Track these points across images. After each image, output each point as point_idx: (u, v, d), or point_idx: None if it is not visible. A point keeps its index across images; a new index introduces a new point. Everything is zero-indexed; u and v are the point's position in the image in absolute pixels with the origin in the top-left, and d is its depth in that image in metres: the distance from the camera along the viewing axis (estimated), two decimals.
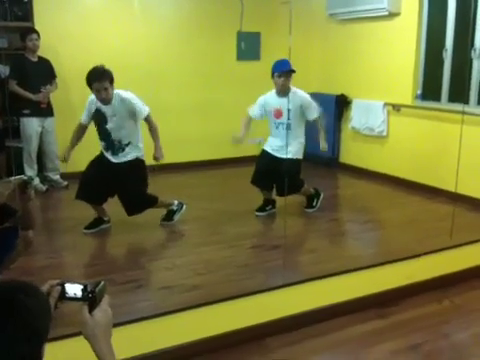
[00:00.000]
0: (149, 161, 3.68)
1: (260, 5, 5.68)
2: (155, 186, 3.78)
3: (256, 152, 4.37)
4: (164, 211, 3.88)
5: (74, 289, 1.15)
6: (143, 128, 3.68)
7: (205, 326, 2.43)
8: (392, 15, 4.92)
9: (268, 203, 4.14)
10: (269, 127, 4.08)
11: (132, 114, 3.50)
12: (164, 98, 5.28)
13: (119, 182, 3.56)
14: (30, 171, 4.59)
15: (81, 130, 3.66)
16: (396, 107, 5.06)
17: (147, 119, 3.56)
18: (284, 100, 3.84)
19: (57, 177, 4.91)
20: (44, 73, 4.68)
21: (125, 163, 3.57)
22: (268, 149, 4.07)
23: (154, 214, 3.83)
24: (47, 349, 0.98)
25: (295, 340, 2.52)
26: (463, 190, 3.88)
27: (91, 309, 1.14)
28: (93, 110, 3.54)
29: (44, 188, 4.72)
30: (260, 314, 2.55)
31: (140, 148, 3.63)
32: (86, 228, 3.68)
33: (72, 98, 4.91)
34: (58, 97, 4.81)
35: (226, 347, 2.41)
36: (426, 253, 3.07)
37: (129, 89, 3.61)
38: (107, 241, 3.77)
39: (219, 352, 2.38)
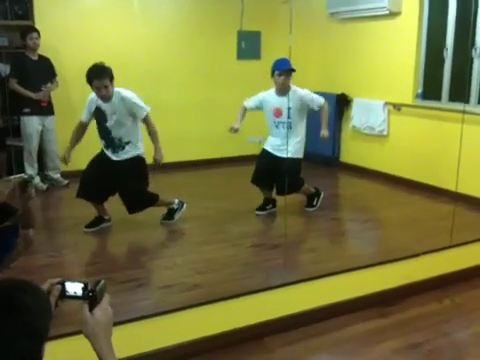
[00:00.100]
0: (150, 160, 3.69)
1: (260, 4, 5.68)
2: (156, 185, 3.77)
3: (256, 151, 4.37)
4: (165, 210, 3.88)
5: (74, 288, 1.15)
6: (143, 128, 3.68)
7: (205, 325, 2.43)
8: (393, 14, 4.91)
9: (268, 202, 4.14)
10: (268, 126, 4.08)
11: (132, 113, 3.49)
12: (164, 97, 5.28)
13: (120, 180, 3.56)
14: (30, 170, 4.58)
15: (81, 129, 3.65)
16: (397, 106, 5.05)
17: (146, 120, 3.53)
18: (284, 99, 3.84)
19: (57, 176, 4.91)
20: (44, 72, 4.68)
21: (126, 161, 3.57)
22: (268, 148, 4.07)
23: (154, 213, 3.83)
24: (47, 348, 0.98)
25: (295, 339, 2.52)
26: (463, 189, 3.87)
27: (91, 308, 1.14)
28: (93, 108, 3.54)
29: (44, 187, 4.72)
30: (260, 313, 2.55)
31: (140, 147, 3.62)
32: (87, 227, 3.68)
33: (72, 97, 4.91)
34: (58, 96, 4.81)
35: (226, 346, 2.41)
36: (426, 252, 3.07)
37: (129, 88, 3.60)
38: (107, 240, 3.77)
39: (219, 351, 2.38)
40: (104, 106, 3.49)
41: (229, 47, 5.77)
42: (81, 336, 1.14)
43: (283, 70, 3.82)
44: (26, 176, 1.96)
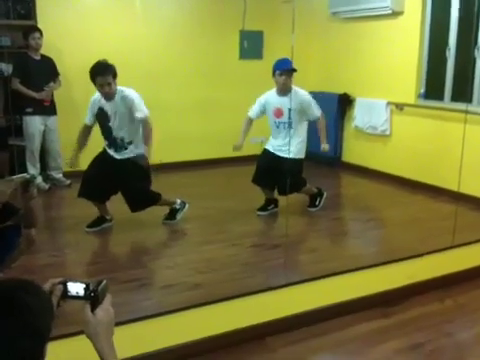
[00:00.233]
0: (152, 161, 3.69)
1: (263, 4, 5.67)
2: (157, 185, 3.77)
3: (258, 151, 4.36)
4: (166, 210, 3.88)
5: (76, 288, 1.15)
6: None
7: (207, 325, 2.42)
8: (395, 14, 4.91)
9: (270, 203, 4.14)
10: (270, 126, 4.07)
11: (132, 113, 3.49)
12: (166, 97, 5.28)
13: (122, 178, 3.56)
14: (33, 169, 4.59)
15: (86, 131, 3.66)
16: (399, 106, 5.04)
17: (143, 121, 3.46)
18: (285, 99, 3.83)
19: (60, 176, 4.91)
20: (47, 71, 4.69)
21: (128, 159, 3.57)
22: (269, 148, 4.07)
23: (156, 213, 3.83)
24: (49, 348, 0.98)
25: (297, 339, 2.52)
26: (466, 189, 3.87)
27: (93, 308, 1.14)
28: (96, 109, 3.54)
29: (47, 187, 4.73)
30: (262, 313, 2.54)
31: (142, 147, 3.62)
32: (88, 226, 3.69)
33: (75, 96, 4.91)
34: (61, 95, 4.82)
35: (228, 346, 2.40)
36: (429, 252, 3.06)
37: (131, 87, 3.60)
38: (109, 240, 3.78)
39: (221, 351, 2.38)
40: (107, 106, 3.49)
41: (231, 47, 5.77)
42: (83, 336, 1.14)
43: (284, 70, 3.81)
44: (28, 176, 1.96)
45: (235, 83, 5.66)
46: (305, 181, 4.07)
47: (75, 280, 1.16)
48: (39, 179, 4.62)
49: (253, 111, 4.07)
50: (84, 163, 3.69)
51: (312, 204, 4.21)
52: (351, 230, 4.14)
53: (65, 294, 1.15)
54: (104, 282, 1.18)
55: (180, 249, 3.54)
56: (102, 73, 3.35)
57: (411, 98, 4.95)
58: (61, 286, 1.15)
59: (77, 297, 1.15)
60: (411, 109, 4.94)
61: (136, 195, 3.61)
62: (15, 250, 2.14)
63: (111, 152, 3.61)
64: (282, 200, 4.04)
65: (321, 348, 2.50)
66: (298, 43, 3.95)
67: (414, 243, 3.38)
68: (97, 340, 1.11)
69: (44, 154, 4.83)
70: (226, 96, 5.60)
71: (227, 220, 3.97)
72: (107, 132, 3.56)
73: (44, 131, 4.71)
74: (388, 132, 5.20)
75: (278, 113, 3.94)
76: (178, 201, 3.88)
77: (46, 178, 4.84)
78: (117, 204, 3.72)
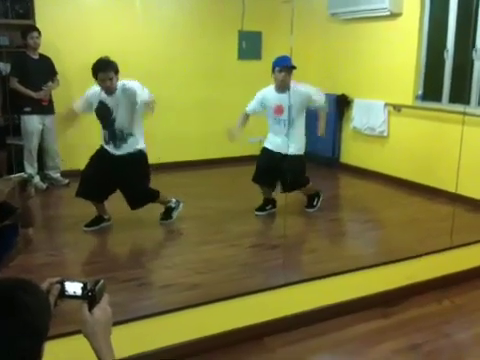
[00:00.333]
0: (151, 158, 3.69)
1: (262, 4, 5.68)
2: (155, 184, 3.77)
3: (256, 151, 4.37)
4: (164, 209, 3.88)
5: (74, 287, 1.15)
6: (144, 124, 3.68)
7: (205, 325, 2.42)
8: (394, 15, 4.91)
9: (268, 203, 4.14)
10: (268, 124, 4.06)
11: (134, 102, 3.47)
12: (165, 97, 5.25)
13: (122, 176, 3.56)
14: (30, 169, 4.58)
15: (73, 115, 3.76)
16: (397, 107, 5.05)
17: (146, 103, 3.45)
18: (284, 96, 3.82)
19: (57, 175, 4.91)
20: (45, 71, 4.68)
21: (127, 156, 3.56)
22: (269, 146, 4.05)
23: (154, 212, 3.83)
24: (47, 347, 0.98)
25: (296, 339, 2.52)
26: (463, 191, 3.87)
27: (91, 307, 1.13)
28: (96, 103, 3.53)
29: (44, 186, 4.72)
30: (260, 313, 2.54)
31: (142, 142, 3.63)
32: (86, 226, 3.68)
33: (73, 96, 4.88)
34: (59, 95, 4.81)
35: (226, 346, 2.40)
36: (427, 253, 3.07)
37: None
38: (107, 239, 3.77)
39: (219, 351, 2.38)
40: (108, 100, 3.49)
41: (230, 47, 5.77)
42: (80, 335, 1.13)
43: (284, 67, 3.81)
44: (26, 175, 1.95)
45: (234, 83, 5.66)
46: (308, 179, 4.07)
47: (73, 279, 1.16)
48: (37, 178, 4.61)
49: (250, 107, 4.06)
50: (82, 163, 3.69)
51: (310, 205, 4.21)
52: (349, 231, 4.14)
53: (63, 293, 1.15)
54: (101, 281, 1.18)
55: (178, 249, 3.53)
56: (103, 69, 3.38)
57: (409, 99, 4.96)
58: (59, 285, 1.15)
59: (75, 296, 1.15)
60: (409, 110, 4.95)
61: (136, 192, 3.61)
62: (12, 249, 2.13)
63: (109, 148, 3.59)
64: (280, 200, 4.04)
65: (320, 348, 2.50)
66: (297, 44, 3.93)
67: (412, 244, 3.39)
68: (95, 339, 1.11)
69: (42, 153, 4.82)
70: (225, 96, 5.60)
71: (225, 220, 3.97)
72: (109, 125, 3.55)
73: (42, 130, 4.70)
74: (386, 133, 5.21)
75: (278, 110, 3.92)
76: (173, 200, 3.88)
77: (44, 177, 4.84)
78: (115, 203, 3.72)
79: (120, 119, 3.52)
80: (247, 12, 5.62)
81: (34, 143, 4.65)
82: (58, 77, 4.78)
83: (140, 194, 3.63)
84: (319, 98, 3.98)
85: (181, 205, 3.90)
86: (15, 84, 4.51)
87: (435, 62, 4.78)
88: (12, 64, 4.59)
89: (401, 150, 5.04)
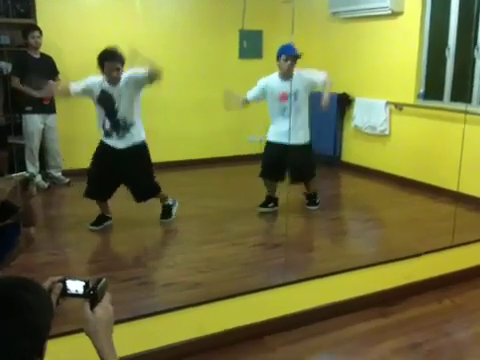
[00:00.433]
0: (153, 157, 3.71)
1: (262, 3, 5.67)
2: None
3: (256, 150, 4.37)
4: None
5: (75, 286, 1.15)
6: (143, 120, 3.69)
7: (206, 324, 2.43)
8: (395, 14, 4.90)
9: (271, 200, 4.13)
10: (272, 114, 4.02)
11: (138, 85, 3.49)
12: (165, 96, 5.27)
13: (127, 169, 3.58)
14: (32, 168, 4.59)
15: (66, 94, 3.66)
16: (398, 106, 5.05)
17: (151, 73, 3.42)
18: (289, 83, 3.82)
19: (59, 174, 4.92)
20: (46, 70, 4.68)
21: (131, 148, 3.57)
22: (273, 139, 4.00)
23: (155, 211, 3.84)
24: (49, 346, 0.99)
25: (296, 338, 2.52)
26: (465, 190, 3.87)
27: (92, 306, 1.14)
28: (97, 91, 3.50)
29: (46, 185, 4.73)
30: (261, 312, 2.55)
31: (143, 133, 3.64)
32: (93, 225, 3.69)
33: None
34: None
35: (227, 345, 2.41)
36: (428, 252, 3.07)
37: None
38: (109, 238, 3.78)
39: (219, 350, 2.38)
40: (111, 89, 3.49)
41: (231, 46, 5.77)
42: (82, 334, 1.14)
43: (290, 55, 3.82)
44: (27, 174, 1.96)
45: (234, 82, 5.62)
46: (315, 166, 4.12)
47: (74, 278, 1.16)
48: (38, 177, 4.62)
49: (251, 94, 4.01)
50: (84, 162, 3.69)
51: (312, 202, 4.21)
52: (350, 230, 4.14)
53: (64, 292, 1.15)
54: (103, 280, 1.18)
55: (180, 248, 3.54)
56: (111, 58, 3.38)
57: (410, 98, 4.96)
58: (60, 284, 1.15)
59: (76, 295, 1.15)
60: (410, 109, 4.94)
61: (143, 185, 3.64)
62: (14, 248, 2.14)
63: (112, 141, 3.56)
64: (281, 199, 4.04)
65: (320, 347, 2.50)
66: (298, 43, 3.95)
67: (413, 243, 3.39)
68: (96, 338, 1.12)
69: (43, 152, 4.83)
70: None
71: (226, 219, 3.98)
72: (111, 114, 3.54)
73: (43, 129, 4.71)
74: (387, 132, 5.20)
75: (284, 97, 3.89)
76: (170, 198, 3.89)
77: (45, 176, 4.84)
78: (115, 203, 3.73)
79: (123, 109, 3.52)
80: (248, 11, 5.61)
81: (35, 142, 4.66)
82: (60, 76, 4.78)
83: (147, 186, 3.66)
84: (321, 78, 3.97)
85: (177, 204, 3.91)
86: (16, 83, 4.51)
87: (436, 60, 4.77)
88: (13, 63, 4.59)
89: (402, 149, 5.04)
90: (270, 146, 4.06)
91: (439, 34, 4.72)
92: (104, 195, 3.67)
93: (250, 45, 5.81)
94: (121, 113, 3.53)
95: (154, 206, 3.80)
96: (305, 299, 2.67)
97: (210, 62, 5.63)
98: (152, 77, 3.42)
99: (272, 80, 3.96)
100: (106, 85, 3.49)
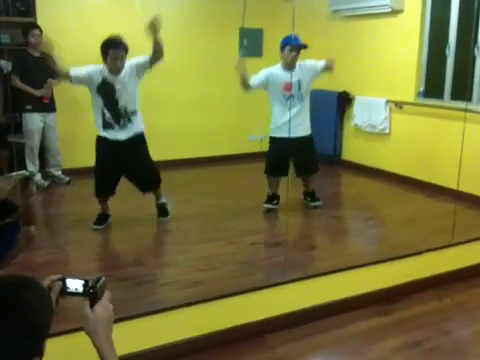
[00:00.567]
0: (153, 156, 3.72)
1: (263, 1, 5.66)
2: None
3: (257, 149, 4.37)
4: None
5: (75, 284, 1.15)
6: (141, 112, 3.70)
7: (206, 322, 2.43)
8: (395, 12, 4.90)
9: (274, 198, 4.12)
10: (273, 105, 4.01)
11: (142, 70, 3.50)
12: (166, 94, 5.28)
13: (130, 162, 3.58)
14: (32, 167, 4.59)
15: (66, 76, 3.59)
16: (398, 104, 5.04)
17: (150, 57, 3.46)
18: (294, 73, 3.84)
19: (59, 173, 4.92)
20: (46, 68, 4.67)
21: (133, 138, 3.56)
22: (278, 134, 3.99)
23: (154, 210, 3.84)
24: (48, 344, 0.98)
25: (297, 336, 2.52)
26: (465, 188, 3.86)
27: (92, 304, 1.14)
28: (98, 80, 3.48)
29: (46, 184, 4.73)
30: (262, 310, 2.55)
31: (142, 124, 3.65)
32: (96, 224, 3.69)
33: (74, 94, 4.90)
34: (60, 93, 4.81)
35: (227, 343, 2.40)
36: (428, 250, 3.06)
37: None
38: (108, 237, 3.78)
39: (220, 348, 2.38)
40: (113, 79, 3.47)
41: (231, 44, 5.76)
42: (82, 333, 1.14)
43: (295, 46, 3.82)
44: (27, 173, 1.96)
45: (235, 81, 5.63)
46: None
47: (74, 277, 1.16)
48: (38, 176, 4.62)
49: (255, 81, 3.93)
50: (84, 161, 3.70)
51: (314, 198, 4.21)
52: (351, 228, 4.14)
53: (64, 290, 1.15)
54: (103, 279, 1.18)
55: (179, 247, 3.53)
56: (115, 46, 3.39)
57: (410, 96, 4.95)
58: (60, 283, 1.15)
59: (76, 293, 1.15)
60: (410, 107, 4.94)
61: (149, 174, 3.67)
62: (14, 247, 2.14)
63: (112, 132, 3.53)
64: (282, 197, 4.04)
65: (321, 345, 2.50)
66: None
67: (413, 241, 3.39)
68: (96, 336, 1.12)
69: (43, 151, 4.83)
70: (226, 94, 5.60)
71: (227, 218, 3.98)
72: (111, 104, 3.52)
73: (43, 128, 4.71)
74: (387, 130, 5.20)
75: (288, 87, 3.88)
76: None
77: (45, 175, 4.84)
78: (113, 201, 3.73)
79: (125, 98, 3.52)
80: (248, 9, 5.58)
81: (35, 141, 4.66)
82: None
83: (152, 176, 3.68)
84: (322, 63, 3.98)
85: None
86: (16, 82, 4.51)
87: (437, 59, 4.77)
88: (13, 62, 4.59)
89: (403, 147, 5.04)
90: (274, 142, 4.06)
91: (439, 32, 4.72)
92: (112, 191, 3.68)
93: (250, 43, 5.80)
94: (122, 102, 3.52)
95: (152, 206, 3.80)
96: (306, 297, 2.67)
97: (210, 60, 5.63)
98: (156, 53, 3.40)
99: (276, 70, 3.96)
100: (107, 73, 3.47)
